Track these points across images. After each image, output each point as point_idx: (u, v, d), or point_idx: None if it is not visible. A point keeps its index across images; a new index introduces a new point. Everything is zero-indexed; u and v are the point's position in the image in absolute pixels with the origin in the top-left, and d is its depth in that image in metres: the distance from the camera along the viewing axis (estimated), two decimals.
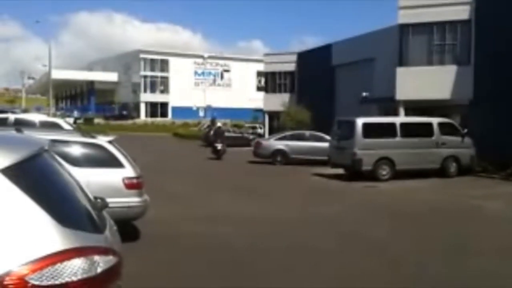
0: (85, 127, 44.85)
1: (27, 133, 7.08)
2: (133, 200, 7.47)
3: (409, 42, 21.90)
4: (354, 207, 11.73)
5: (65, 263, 2.19)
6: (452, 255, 7.23)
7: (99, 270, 2.31)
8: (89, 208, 2.82)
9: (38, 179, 2.56)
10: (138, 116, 74.68)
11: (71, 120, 44.85)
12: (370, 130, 16.82)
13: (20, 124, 11.90)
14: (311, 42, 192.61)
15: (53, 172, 2.82)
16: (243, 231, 8.58)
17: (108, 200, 6.95)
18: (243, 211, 10.56)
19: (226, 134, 33.54)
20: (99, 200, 3.26)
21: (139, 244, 7.28)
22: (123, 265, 2.62)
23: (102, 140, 7.87)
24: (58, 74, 71.15)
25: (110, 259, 2.43)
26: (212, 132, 27.07)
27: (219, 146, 24.06)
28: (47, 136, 7.28)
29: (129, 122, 67.12)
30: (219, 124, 27.84)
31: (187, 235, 8.10)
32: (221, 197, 12.72)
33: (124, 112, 75.36)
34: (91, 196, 3.13)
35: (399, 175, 16.55)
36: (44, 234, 2.23)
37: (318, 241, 7.96)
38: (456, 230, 9.03)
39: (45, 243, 2.19)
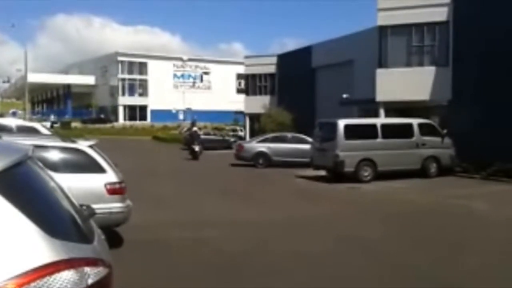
0: (62, 132, 44.16)
1: (6, 138, 6.93)
2: (115, 206, 7.31)
3: (388, 43, 22.09)
4: (341, 209, 11.72)
5: (54, 276, 2.06)
6: (446, 255, 7.24)
7: (89, 282, 2.19)
8: (76, 216, 2.69)
9: (23, 188, 2.42)
10: (117, 119, 73.88)
11: (47, 124, 44.04)
12: (352, 132, 16.88)
13: None
14: (291, 44, 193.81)
15: (38, 179, 2.68)
16: (232, 236, 8.45)
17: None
18: (229, 215, 10.44)
19: (207, 137, 34.86)
20: (85, 208, 3.12)
21: (123, 251, 7.10)
22: (113, 276, 2.50)
23: (83, 144, 7.67)
24: (34, 78, 69.85)
25: (100, 271, 2.31)
26: (188, 135, 28.71)
27: (196, 147, 25.70)
28: (26, 141, 7.10)
29: (108, 125, 66.31)
30: (195, 128, 29.00)
31: (173, 241, 7.94)
32: (206, 201, 12.57)
33: (102, 116, 74.47)
34: (77, 204, 3.00)
35: (380, 176, 16.65)
36: (31, 245, 2.09)
37: (311, 245, 7.85)
38: (445, 231, 9.06)
39: (32, 255, 2.06)
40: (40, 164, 3.02)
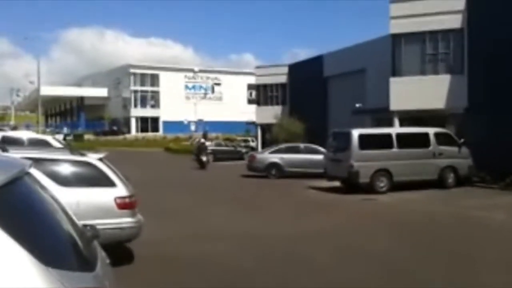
0: (75, 144, 44.30)
1: (13, 151, 6.76)
2: (126, 220, 7.08)
3: (402, 52, 21.76)
4: (356, 221, 11.37)
5: None
6: (465, 270, 6.90)
7: None
8: (77, 240, 2.44)
9: (16, 208, 2.19)
10: (129, 131, 74.15)
11: (60, 136, 44.21)
12: (366, 142, 16.54)
13: (8, 142, 11.48)
14: (302, 54, 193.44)
15: (34, 198, 2.44)
16: (244, 252, 8.12)
17: (100, 221, 6.63)
18: (242, 228, 10.16)
19: (219, 148, 36.75)
20: (88, 228, 2.87)
21: (134, 268, 6.86)
22: None
23: (92, 157, 7.47)
24: (47, 91, 70.50)
25: None
26: (196, 147, 30.95)
27: (204, 158, 27.98)
28: (33, 154, 6.92)
29: (120, 137, 66.53)
30: (202, 140, 31.77)
31: (186, 256, 7.69)
32: (218, 214, 12.31)
33: (115, 128, 74.78)
34: (79, 225, 2.76)
35: (396, 187, 16.26)
36: (23, 275, 1.85)
37: (328, 264, 7.56)
38: (464, 244, 8.70)
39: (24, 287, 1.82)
40: (39, 180, 2.80)
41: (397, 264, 7.28)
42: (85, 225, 2.89)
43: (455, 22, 20.42)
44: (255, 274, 6.81)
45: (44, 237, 2.18)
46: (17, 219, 2.10)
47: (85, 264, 2.27)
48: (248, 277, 6.66)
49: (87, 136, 65.47)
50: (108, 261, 2.74)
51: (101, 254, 2.70)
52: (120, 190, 7.17)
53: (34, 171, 2.77)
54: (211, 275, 6.72)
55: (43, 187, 2.70)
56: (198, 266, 7.22)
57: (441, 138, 17.51)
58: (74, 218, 2.75)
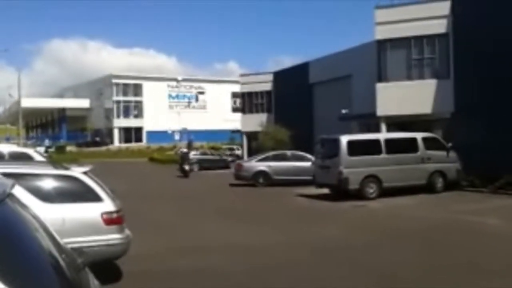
0: (57, 156, 43.54)
1: None
2: (113, 237, 6.75)
3: (388, 57, 21.78)
4: (349, 229, 11.13)
5: None
6: (465, 276, 6.70)
7: None
8: (65, 269, 2.13)
9: None
10: (112, 142, 73.32)
11: (42, 149, 43.37)
12: (355, 148, 16.41)
13: None
14: (287, 62, 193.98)
15: (17, 223, 2.14)
16: (235, 266, 7.79)
17: (86, 238, 6.28)
18: (232, 240, 9.84)
19: (204, 157, 36.97)
20: (78, 254, 2.57)
21: (121, 286, 6.51)
22: None
23: (77, 171, 7.12)
24: (28, 102, 69.34)
25: None
26: (180, 156, 32.23)
27: (186, 167, 29.11)
28: (15, 169, 6.56)
29: (103, 148, 65.74)
30: (185, 150, 33.64)
31: (173, 272, 7.35)
32: (208, 224, 11.98)
33: (97, 139, 73.93)
34: (68, 250, 2.46)
35: (385, 192, 16.13)
36: None
37: (326, 273, 7.31)
38: (460, 250, 8.52)
39: None
40: (22, 202, 2.50)
41: (405, 274, 7.06)
42: (73, 249, 2.59)
43: (440, 27, 20.50)
44: (250, 284, 6.53)
45: (26, 269, 1.88)
46: None
47: None
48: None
49: (69, 148, 64.49)
50: None
51: (94, 282, 2.40)
52: (107, 205, 6.84)
53: (17, 190, 2.47)
54: None
55: (26, 208, 2.39)
56: (190, 281, 6.91)
57: (429, 143, 17.46)
58: (61, 242, 2.45)
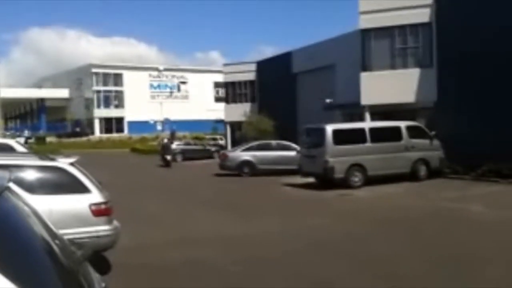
0: (38, 147, 42.79)
1: None
2: (102, 228, 6.69)
3: (371, 46, 21.82)
4: (337, 218, 11.19)
5: None
6: (458, 264, 6.80)
7: None
8: (65, 263, 2.05)
9: None
10: (93, 132, 72.29)
11: (22, 140, 42.55)
12: (340, 137, 16.47)
13: None
14: (269, 51, 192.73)
15: (15, 216, 2.05)
16: (225, 257, 7.76)
17: (75, 230, 6.17)
18: (220, 231, 9.80)
19: (188, 147, 36.53)
20: (77, 246, 2.49)
21: (112, 279, 6.41)
22: None
23: (63, 162, 6.99)
24: (6, 93, 67.68)
25: None
26: (162, 147, 31.90)
27: (168, 157, 29.14)
28: (0, 161, 6.40)
29: (84, 139, 64.75)
30: (166, 140, 33.38)
31: (163, 264, 7.29)
32: (194, 215, 11.92)
33: (77, 129, 72.85)
34: (67, 243, 2.38)
35: (370, 181, 16.25)
36: None
37: (313, 264, 7.33)
38: (449, 237, 8.64)
39: None
40: (20, 195, 2.41)
41: (399, 267, 7.12)
42: (72, 242, 2.51)
43: (423, 16, 20.59)
44: (244, 277, 6.51)
45: (28, 264, 1.80)
46: None
47: None
48: (237, 280, 6.35)
49: (49, 139, 63.38)
50: (104, 284, 2.37)
51: (96, 277, 2.33)
52: (95, 196, 6.76)
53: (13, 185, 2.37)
54: (194, 284, 6.37)
55: (25, 203, 2.31)
56: (181, 273, 6.86)
57: (413, 132, 17.63)
58: (61, 236, 2.37)
